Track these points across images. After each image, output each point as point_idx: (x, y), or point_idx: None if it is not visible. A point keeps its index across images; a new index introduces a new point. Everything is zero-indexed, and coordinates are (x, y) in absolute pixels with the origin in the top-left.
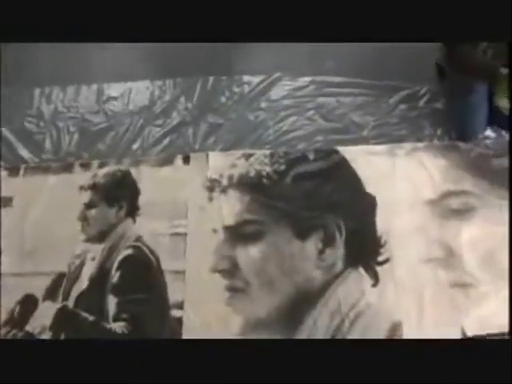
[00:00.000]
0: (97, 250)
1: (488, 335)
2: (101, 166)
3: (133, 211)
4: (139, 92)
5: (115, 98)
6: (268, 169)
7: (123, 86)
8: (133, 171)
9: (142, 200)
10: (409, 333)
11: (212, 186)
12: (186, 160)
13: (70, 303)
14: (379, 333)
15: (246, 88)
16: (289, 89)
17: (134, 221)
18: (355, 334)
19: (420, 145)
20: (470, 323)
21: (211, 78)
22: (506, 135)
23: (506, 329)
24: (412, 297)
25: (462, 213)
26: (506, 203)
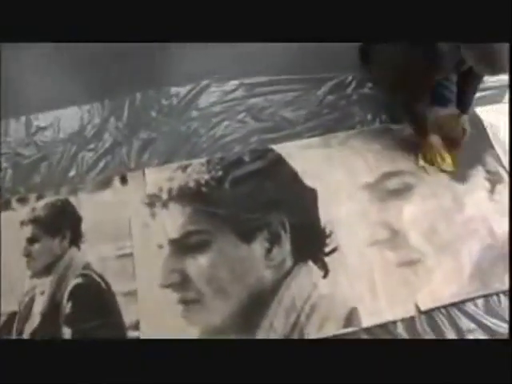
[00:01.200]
0: (45, 283)
1: (442, 307)
2: (39, 198)
3: (77, 239)
4: (68, 119)
5: (45, 128)
6: (206, 177)
7: (51, 115)
8: (72, 199)
9: (84, 227)
10: (365, 317)
11: (152, 202)
12: (124, 180)
13: None
14: (336, 322)
15: (175, 100)
16: (218, 95)
17: (79, 249)
18: (313, 327)
19: (352, 132)
20: (422, 298)
21: (138, 95)
22: None
23: (456, 298)
24: (363, 281)
25: (401, 192)
26: (442, 176)
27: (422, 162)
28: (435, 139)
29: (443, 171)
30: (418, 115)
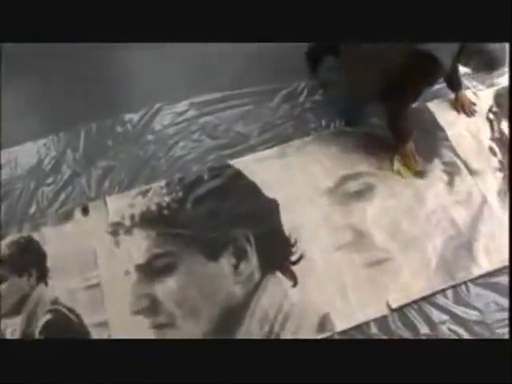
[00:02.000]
0: (15, 323)
1: (412, 302)
2: (1, 237)
3: (43, 275)
4: (25, 155)
5: (2, 166)
6: (167, 199)
7: (7, 153)
8: (35, 235)
9: (50, 262)
10: (338, 321)
11: (116, 229)
12: (85, 211)
13: None
14: (310, 328)
15: (129, 126)
16: (171, 116)
17: (47, 284)
18: (287, 336)
19: (308, 138)
20: (393, 296)
21: (94, 125)
22: None
23: (425, 292)
24: (333, 286)
25: (362, 193)
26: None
27: (397, 166)
28: (410, 144)
29: (417, 172)
30: (404, 121)
